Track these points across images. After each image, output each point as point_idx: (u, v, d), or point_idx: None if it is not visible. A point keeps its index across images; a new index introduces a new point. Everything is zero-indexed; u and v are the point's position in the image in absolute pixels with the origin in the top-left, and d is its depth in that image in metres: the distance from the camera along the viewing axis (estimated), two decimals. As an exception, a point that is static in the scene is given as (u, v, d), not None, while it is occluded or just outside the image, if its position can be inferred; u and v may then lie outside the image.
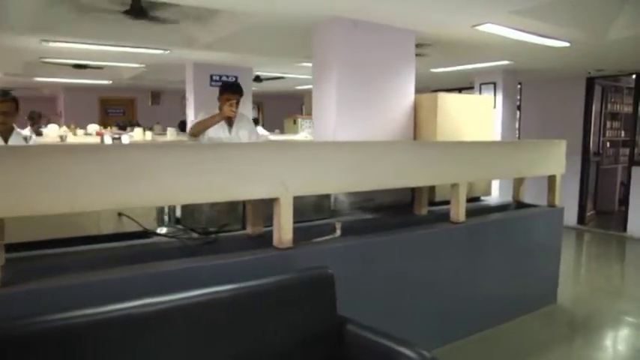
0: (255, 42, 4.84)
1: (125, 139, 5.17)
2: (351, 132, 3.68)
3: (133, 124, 8.95)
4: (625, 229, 6.87)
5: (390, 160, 2.78)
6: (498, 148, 3.67)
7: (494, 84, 6.62)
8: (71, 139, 5.98)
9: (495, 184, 5.76)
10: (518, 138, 7.96)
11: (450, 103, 4.05)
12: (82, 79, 8.18)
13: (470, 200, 4.22)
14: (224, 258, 2.39)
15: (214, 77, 6.31)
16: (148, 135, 6.20)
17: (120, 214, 2.75)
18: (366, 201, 3.78)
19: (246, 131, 4.08)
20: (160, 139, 6.29)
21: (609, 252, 6.50)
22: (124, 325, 1.80)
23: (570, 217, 7.33)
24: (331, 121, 3.65)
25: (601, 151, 7.89)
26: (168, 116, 9.79)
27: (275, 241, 2.56)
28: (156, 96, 10.76)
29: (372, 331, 2.20)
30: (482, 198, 4.42)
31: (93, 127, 7.86)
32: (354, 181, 2.69)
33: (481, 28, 3.91)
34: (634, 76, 6.99)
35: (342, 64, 3.66)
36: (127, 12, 4.09)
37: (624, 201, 7.16)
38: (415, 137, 4.11)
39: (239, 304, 2.08)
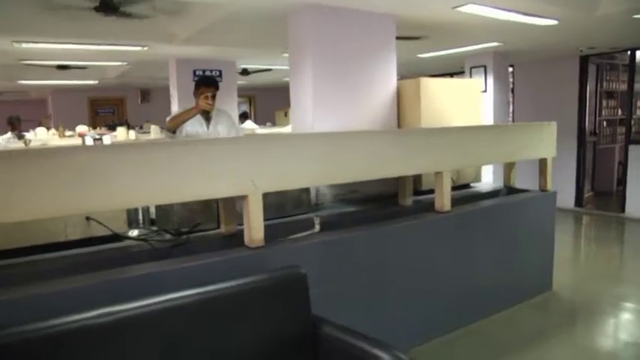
0: (234, 34, 4.71)
1: (107, 139, 5.06)
2: (331, 122, 3.56)
3: (122, 123, 8.84)
4: (623, 209, 6.74)
5: (364, 150, 2.65)
6: (484, 133, 3.53)
7: (485, 67, 6.47)
8: (56, 141, 5.86)
9: (489, 170, 5.64)
10: (513, 121, 7.83)
11: (434, 88, 3.92)
12: (69, 80, 8.05)
13: (459, 187, 4.12)
14: (191, 260, 2.28)
15: (197, 72, 6.18)
16: (132, 134, 6.09)
17: (88, 218, 2.65)
18: (350, 193, 3.66)
19: (225, 126, 3.95)
20: (144, 137, 6.18)
21: (606, 234, 6.37)
22: (80, 338, 1.69)
23: (568, 199, 7.21)
24: (308, 112, 3.53)
25: (597, 131, 7.74)
26: (159, 114, 9.64)
27: (246, 241, 2.44)
28: (145, 94, 10.63)
29: (347, 332, 2.09)
30: (471, 185, 4.29)
31: (82, 129, 7.75)
32: (327, 174, 2.57)
33: (463, 9, 3.76)
34: (629, 53, 6.83)
35: (318, 53, 3.52)
36: (96, 9, 3.96)
37: (622, 181, 7.02)
38: (399, 125, 3.98)
39: (205, 309, 1.97)
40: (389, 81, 3.89)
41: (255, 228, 2.41)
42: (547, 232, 3.98)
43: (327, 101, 3.55)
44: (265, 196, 2.42)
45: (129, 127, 7.96)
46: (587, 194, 7.57)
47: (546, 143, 3.98)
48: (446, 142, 3.12)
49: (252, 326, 2.03)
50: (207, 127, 3.83)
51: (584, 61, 7.14)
